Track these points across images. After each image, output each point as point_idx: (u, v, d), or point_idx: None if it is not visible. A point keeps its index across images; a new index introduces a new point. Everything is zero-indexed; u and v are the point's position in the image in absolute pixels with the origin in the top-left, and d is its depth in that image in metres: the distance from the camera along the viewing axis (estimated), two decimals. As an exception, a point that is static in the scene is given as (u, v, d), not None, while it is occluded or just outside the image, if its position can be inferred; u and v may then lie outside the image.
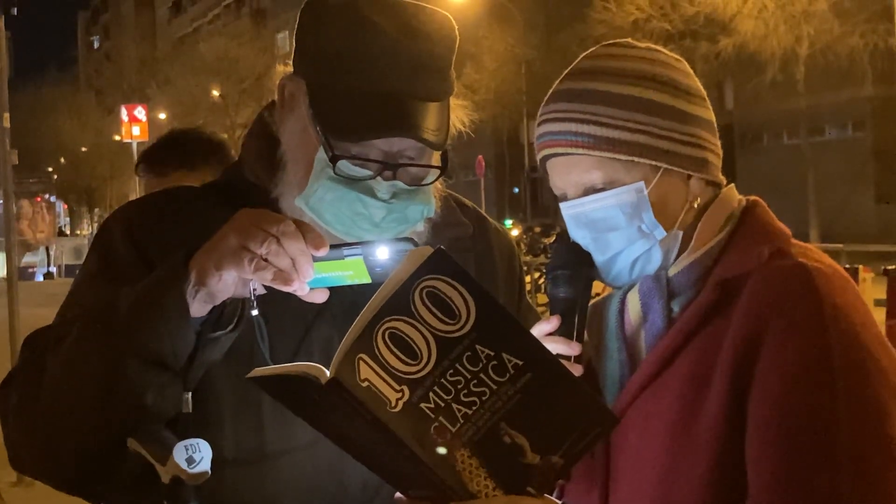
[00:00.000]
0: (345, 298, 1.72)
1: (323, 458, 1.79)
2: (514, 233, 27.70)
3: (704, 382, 1.64)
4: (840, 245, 18.93)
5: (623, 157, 1.73)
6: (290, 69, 1.86)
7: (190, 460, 1.55)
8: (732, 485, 1.60)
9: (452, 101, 1.86)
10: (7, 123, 9.57)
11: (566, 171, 1.78)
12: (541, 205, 46.43)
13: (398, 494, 1.61)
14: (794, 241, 1.75)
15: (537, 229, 30.13)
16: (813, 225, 26.81)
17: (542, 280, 19.97)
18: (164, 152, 3.42)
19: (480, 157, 34.37)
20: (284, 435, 1.79)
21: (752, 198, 1.83)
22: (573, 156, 1.75)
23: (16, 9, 9.95)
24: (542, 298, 18.49)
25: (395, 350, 1.39)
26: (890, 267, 10.15)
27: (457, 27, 1.85)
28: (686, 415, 1.64)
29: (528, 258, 22.58)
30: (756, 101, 30.25)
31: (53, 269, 39.93)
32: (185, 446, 1.56)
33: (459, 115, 1.88)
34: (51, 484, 1.78)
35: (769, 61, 27.38)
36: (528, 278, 19.05)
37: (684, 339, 1.69)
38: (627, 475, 1.71)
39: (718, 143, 1.83)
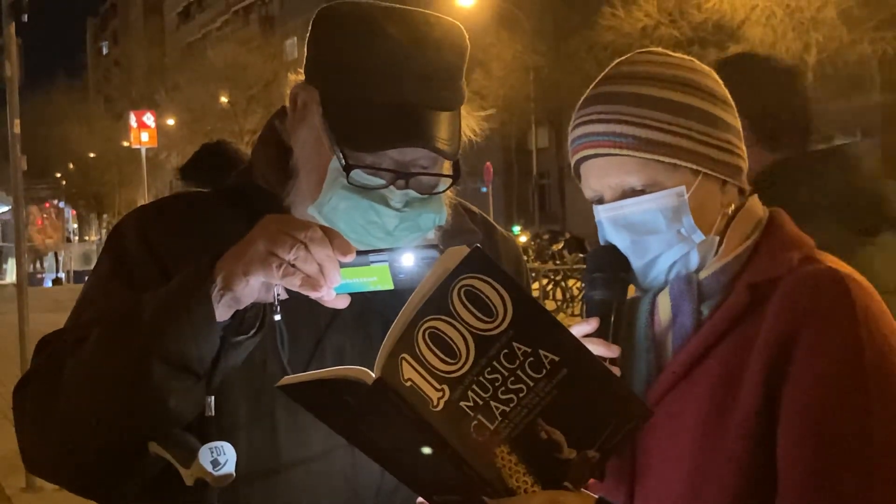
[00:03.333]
0: (355, 307, 1.72)
1: (337, 468, 1.80)
2: (523, 239, 27.72)
3: (734, 382, 1.65)
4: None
5: (666, 160, 1.74)
6: (302, 77, 1.87)
7: (215, 462, 1.57)
8: (761, 484, 1.61)
9: (464, 110, 1.86)
10: (18, 129, 9.60)
11: (605, 173, 1.78)
12: (549, 212, 46.43)
13: (420, 500, 1.61)
14: (818, 250, 1.76)
15: (545, 236, 30.18)
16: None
17: (549, 287, 20.02)
18: (205, 171, 3.68)
19: (488, 163, 34.38)
20: (298, 445, 1.79)
21: (775, 208, 1.84)
22: (615, 157, 1.75)
23: (26, 15, 9.95)
24: (550, 305, 18.52)
25: (435, 349, 1.41)
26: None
27: (467, 36, 1.86)
28: (715, 414, 1.66)
29: (536, 265, 22.61)
30: (764, 108, 30.15)
31: (62, 275, 40.05)
32: (210, 449, 1.58)
33: (471, 123, 1.89)
34: (67, 487, 1.79)
35: (777, 68, 27.33)
36: (535, 285, 19.10)
37: (714, 339, 1.70)
38: (654, 473, 1.72)
39: (745, 150, 1.84)
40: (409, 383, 1.40)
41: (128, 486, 1.75)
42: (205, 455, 1.56)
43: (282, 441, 1.79)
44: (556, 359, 1.44)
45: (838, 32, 26.58)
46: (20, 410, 1.75)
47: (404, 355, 1.40)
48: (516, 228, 32.97)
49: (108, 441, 1.67)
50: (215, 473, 1.56)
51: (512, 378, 1.43)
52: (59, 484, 1.81)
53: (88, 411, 1.67)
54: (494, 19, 36.58)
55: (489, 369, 1.43)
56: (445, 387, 1.41)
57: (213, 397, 1.68)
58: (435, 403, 1.41)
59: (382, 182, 1.77)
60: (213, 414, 1.68)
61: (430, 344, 1.41)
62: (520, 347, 1.43)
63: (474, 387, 1.42)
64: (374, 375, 1.39)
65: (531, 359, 1.44)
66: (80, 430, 1.68)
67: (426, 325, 1.40)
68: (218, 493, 1.58)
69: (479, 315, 1.41)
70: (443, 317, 1.41)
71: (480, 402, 1.43)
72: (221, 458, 1.57)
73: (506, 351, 1.43)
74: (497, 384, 1.43)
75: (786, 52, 26.83)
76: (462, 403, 1.42)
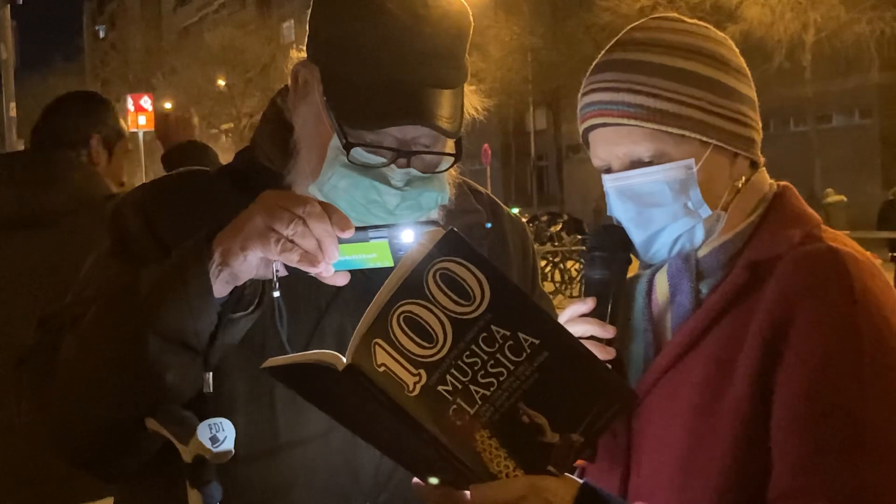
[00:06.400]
0: (357, 286, 1.72)
1: (335, 447, 1.80)
2: (521, 221, 27.64)
3: (730, 364, 1.64)
4: (847, 231, 18.90)
5: (675, 131, 1.71)
6: (304, 55, 1.86)
7: (214, 439, 1.56)
8: (754, 467, 1.60)
9: (466, 87, 1.85)
10: (14, 113, 9.59)
11: (613, 143, 1.75)
12: (547, 193, 46.40)
13: (416, 480, 1.61)
14: (824, 226, 1.74)
15: (544, 218, 30.15)
16: (820, 212, 26.75)
17: (548, 268, 20.01)
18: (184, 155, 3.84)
19: (486, 145, 34.35)
20: (297, 425, 1.79)
21: (783, 183, 1.82)
22: (623, 126, 1.73)
23: (21, -2, 9.92)
24: (549, 287, 18.52)
25: (410, 334, 1.39)
26: (898, 254, 10.15)
27: (470, 14, 1.84)
28: (710, 396, 1.64)
29: (534, 246, 22.62)
30: (763, 89, 29.64)
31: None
32: (209, 425, 1.56)
33: (473, 101, 1.88)
34: (66, 462, 1.79)
35: (776, 48, 27.34)
36: (534, 266, 19.13)
37: (711, 320, 1.68)
38: (649, 455, 1.71)
39: (760, 121, 1.82)
40: (382, 368, 1.38)
41: (127, 462, 1.75)
42: (203, 431, 1.55)
43: (281, 421, 1.79)
44: (537, 342, 1.43)
45: (836, 12, 26.55)
46: (19, 386, 1.75)
47: (377, 340, 1.38)
48: (514, 210, 32.90)
49: (105, 416, 1.67)
50: (214, 450, 1.55)
51: (492, 362, 1.42)
52: (58, 459, 1.81)
53: (85, 386, 1.67)
54: (492, 1, 36.49)
55: (468, 353, 1.42)
56: (422, 371, 1.40)
57: (210, 374, 1.67)
58: (411, 388, 1.40)
59: (383, 160, 1.76)
60: (212, 391, 1.67)
61: (406, 328, 1.39)
62: (499, 331, 1.42)
63: (453, 371, 1.41)
64: (345, 361, 1.38)
65: (511, 342, 1.42)
66: (77, 405, 1.68)
67: (401, 310, 1.39)
68: (217, 472, 1.57)
69: (456, 298, 1.40)
70: (418, 301, 1.39)
71: (459, 387, 1.42)
72: (220, 434, 1.56)
73: (484, 334, 1.42)
74: (476, 368, 1.42)
75: (784, 31, 26.83)
76: (440, 388, 1.41)
